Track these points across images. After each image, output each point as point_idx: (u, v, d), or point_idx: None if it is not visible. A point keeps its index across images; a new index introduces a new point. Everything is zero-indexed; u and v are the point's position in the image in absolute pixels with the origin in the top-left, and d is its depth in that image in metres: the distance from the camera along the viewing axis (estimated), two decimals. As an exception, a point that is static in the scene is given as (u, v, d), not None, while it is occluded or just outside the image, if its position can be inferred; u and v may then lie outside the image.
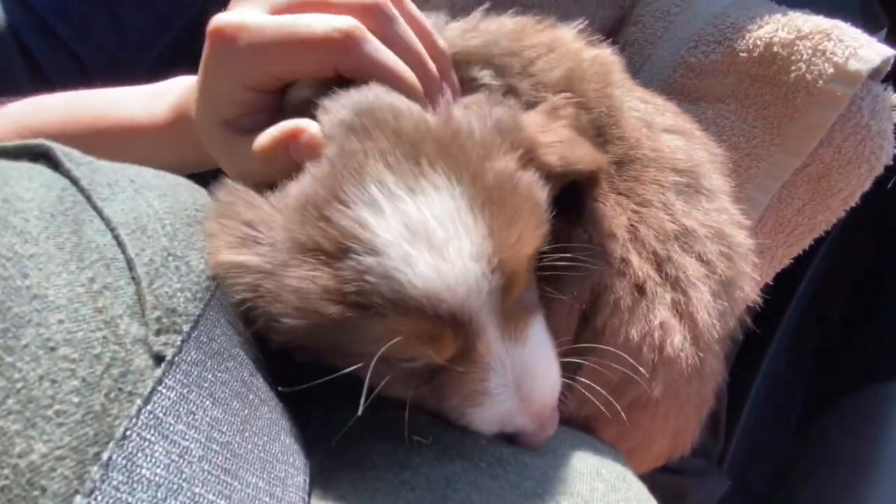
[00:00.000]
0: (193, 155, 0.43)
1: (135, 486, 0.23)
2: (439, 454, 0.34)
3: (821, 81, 0.52)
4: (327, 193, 0.31)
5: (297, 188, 0.32)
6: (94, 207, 0.31)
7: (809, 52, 0.53)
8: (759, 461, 0.78)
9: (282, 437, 0.32)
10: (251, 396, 0.31)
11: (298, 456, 0.33)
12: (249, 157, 0.35)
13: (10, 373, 0.22)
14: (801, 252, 0.61)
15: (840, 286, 0.80)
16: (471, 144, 0.33)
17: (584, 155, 0.39)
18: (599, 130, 0.44)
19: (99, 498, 0.22)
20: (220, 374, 0.29)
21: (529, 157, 0.35)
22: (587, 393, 0.41)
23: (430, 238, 0.30)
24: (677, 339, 0.40)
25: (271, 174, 0.34)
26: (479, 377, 0.33)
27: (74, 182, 0.31)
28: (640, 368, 0.40)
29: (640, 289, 0.41)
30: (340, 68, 0.35)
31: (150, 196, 0.33)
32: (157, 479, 0.24)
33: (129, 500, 0.22)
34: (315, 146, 0.33)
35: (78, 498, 0.21)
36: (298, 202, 0.32)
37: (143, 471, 0.23)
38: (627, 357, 0.40)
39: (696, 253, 0.43)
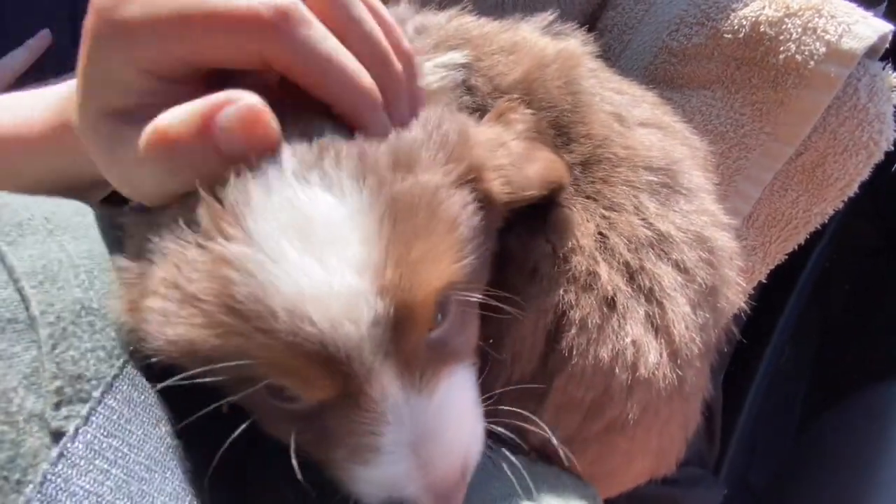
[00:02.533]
0: (75, 166, 0.35)
1: None
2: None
3: (812, 62, 0.48)
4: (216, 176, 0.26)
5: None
6: None
7: (799, 30, 0.48)
8: (759, 461, 0.75)
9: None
10: (160, 462, 0.27)
11: None
12: (138, 156, 0.26)
13: None
14: (798, 247, 0.57)
15: (841, 281, 0.76)
16: (389, 152, 0.28)
17: (535, 177, 0.35)
18: (562, 129, 0.40)
19: None
20: (131, 440, 0.26)
21: (470, 178, 0.31)
22: (557, 415, 0.39)
23: (309, 235, 0.25)
24: (652, 356, 0.37)
25: (165, 184, 0.27)
26: (370, 429, 0.27)
27: None
28: (614, 390, 0.37)
29: (609, 303, 0.37)
30: (270, 59, 0.27)
31: (64, 239, 0.29)
32: None
33: None
34: (264, 127, 0.26)
35: None
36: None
37: None
38: (598, 378, 0.37)
39: (673, 261, 0.39)
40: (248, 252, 0.25)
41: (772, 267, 0.57)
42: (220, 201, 0.26)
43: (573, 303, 0.37)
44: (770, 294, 0.71)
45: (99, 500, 0.24)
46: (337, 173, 0.27)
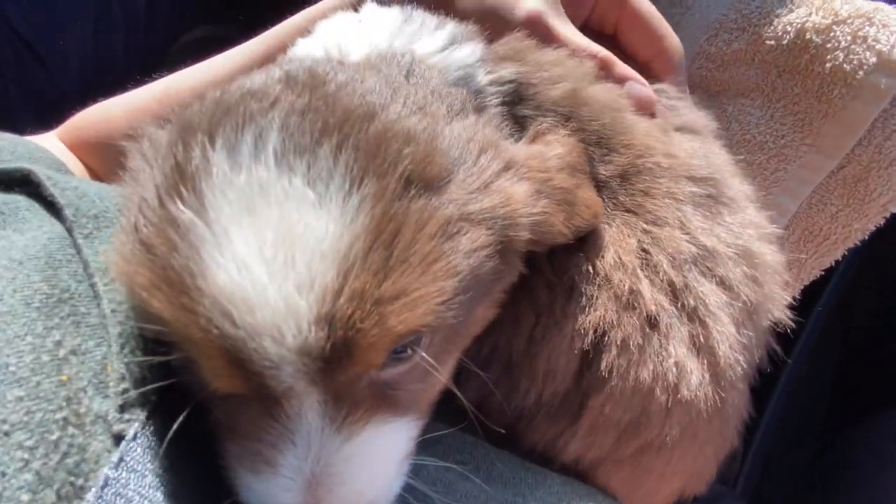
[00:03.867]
0: None
1: None
2: None
3: (861, 72, 0.46)
4: (207, 121, 0.26)
5: (192, 108, 0.28)
6: (74, 244, 0.27)
7: (848, 38, 0.46)
8: (774, 479, 0.74)
9: None
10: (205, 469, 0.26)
11: None
12: None
13: None
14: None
15: (867, 298, 0.74)
16: (415, 159, 0.25)
17: (567, 226, 0.33)
18: (602, 140, 0.38)
19: None
20: (181, 447, 0.26)
21: (498, 217, 0.28)
22: (592, 434, 0.37)
23: (264, 223, 0.23)
24: (695, 378, 0.35)
25: None
26: (272, 442, 0.24)
27: (57, 211, 0.28)
28: (653, 411, 0.36)
29: (652, 323, 0.36)
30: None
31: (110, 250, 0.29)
32: None
33: None
34: None
35: None
36: (178, 126, 0.27)
37: None
38: (637, 399, 0.36)
39: (718, 277, 0.37)
40: (197, 225, 0.23)
41: (806, 283, 0.56)
42: (189, 160, 0.24)
43: (614, 322, 0.35)
44: (793, 306, 0.69)
45: (154, 486, 0.23)
46: (331, 166, 0.24)
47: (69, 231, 0.28)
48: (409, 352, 0.26)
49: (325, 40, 0.38)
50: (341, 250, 0.23)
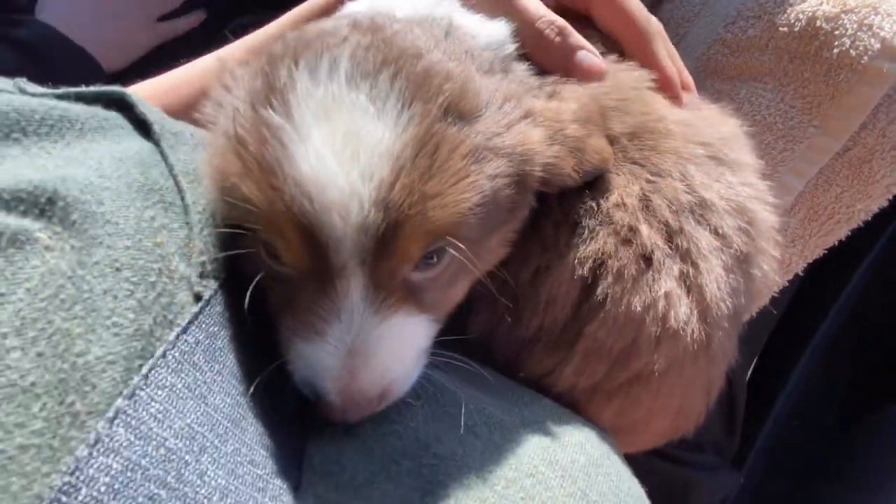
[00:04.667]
0: None
1: (169, 399, 0.25)
2: (428, 413, 0.35)
3: (866, 58, 0.49)
4: (291, 51, 0.32)
5: (276, 45, 0.35)
6: (161, 153, 0.33)
7: (855, 26, 0.50)
8: (781, 468, 0.75)
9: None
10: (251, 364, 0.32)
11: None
12: None
13: (80, 283, 0.25)
14: (848, 253, 0.57)
15: (887, 292, 0.75)
16: (454, 94, 0.31)
17: (578, 170, 0.37)
18: (619, 106, 0.42)
19: (136, 404, 0.24)
20: (235, 329, 0.31)
21: (518, 156, 0.34)
22: (585, 362, 0.41)
23: (336, 127, 0.29)
24: (682, 310, 0.39)
25: None
26: (323, 315, 0.30)
27: (147, 126, 0.34)
28: (642, 340, 0.39)
29: (646, 259, 0.40)
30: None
31: (204, 154, 0.35)
32: (187, 395, 0.26)
33: (164, 409, 0.25)
34: None
35: (120, 400, 0.23)
36: (265, 58, 0.34)
37: (177, 389, 0.26)
38: (629, 327, 0.39)
39: (712, 226, 0.41)
40: (285, 126, 0.29)
41: (809, 260, 0.58)
42: (278, 78, 0.31)
43: (612, 252, 0.39)
44: (812, 297, 0.70)
45: (218, 353, 0.29)
46: (388, 89, 0.30)
47: (157, 142, 0.34)
48: (436, 259, 0.32)
49: (372, 3, 0.44)
50: (394, 153, 0.29)
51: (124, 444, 0.22)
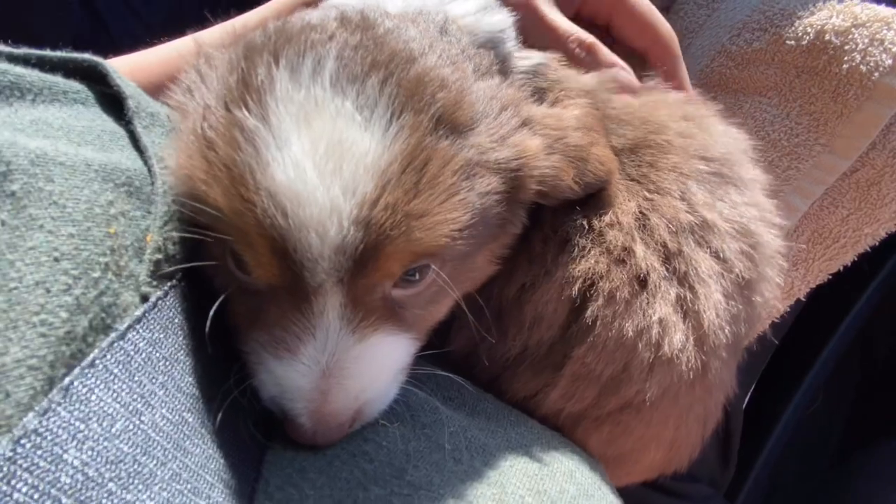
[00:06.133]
0: None
1: (94, 416, 0.22)
2: (405, 433, 0.32)
3: (876, 74, 0.47)
4: (272, 44, 0.29)
5: (255, 34, 0.32)
6: (132, 132, 0.30)
7: (866, 41, 0.47)
8: (780, 498, 0.72)
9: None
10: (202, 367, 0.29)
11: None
12: None
13: (6, 269, 0.21)
14: (851, 278, 0.55)
15: (891, 322, 0.72)
16: (447, 104, 0.29)
17: (579, 184, 0.35)
18: (619, 115, 0.40)
19: (52, 421, 0.21)
20: (186, 337, 0.28)
21: (513, 170, 0.31)
22: (573, 386, 0.38)
23: (318, 135, 0.26)
24: (678, 337, 0.36)
25: None
26: (297, 332, 0.28)
27: (122, 99, 0.31)
28: (634, 367, 0.37)
29: (641, 281, 0.37)
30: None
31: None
32: (118, 411, 0.23)
33: (86, 428, 0.22)
34: None
35: (30, 415, 0.20)
36: (242, 48, 0.30)
37: (105, 404, 0.23)
38: (620, 353, 0.37)
39: (713, 249, 0.38)
40: (261, 129, 0.27)
41: (813, 286, 0.56)
42: (255, 75, 0.28)
43: (603, 273, 0.36)
44: (814, 324, 0.68)
45: (162, 363, 0.26)
46: (377, 96, 0.27)
47: (129, 120, 0.31)
48: (418, 276, 0.30)
49: None
50: (380, 167, 0.26)
51: (32, 469, 0.19)
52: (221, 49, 0.34)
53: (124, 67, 0.45)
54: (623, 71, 0.41)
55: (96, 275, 0.24)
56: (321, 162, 0.26)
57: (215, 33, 0.46)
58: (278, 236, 0.26)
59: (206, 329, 0.28)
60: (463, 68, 0.33)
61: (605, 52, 0.41)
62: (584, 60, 0.41)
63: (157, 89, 0.36)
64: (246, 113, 0.27)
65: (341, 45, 0.29)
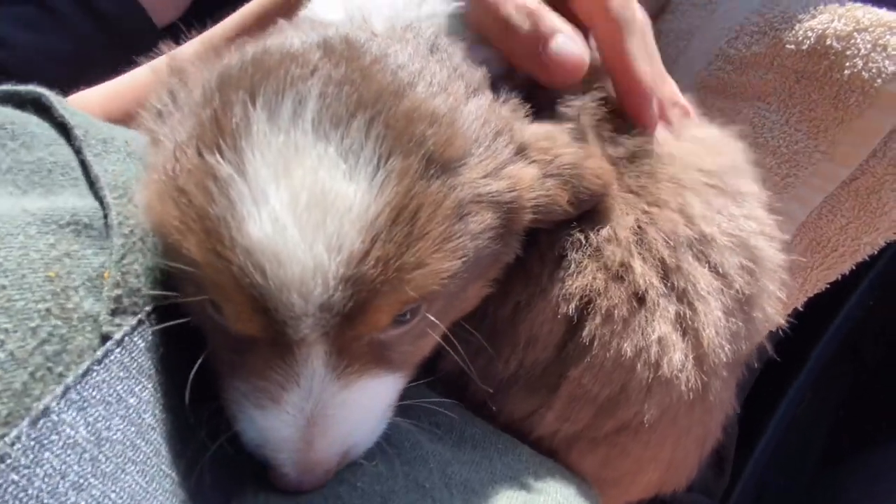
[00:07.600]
0: None
1: (35, 472, 0.20)
2: (382, 472, 0.30)
3: (879, 80, 0.46)
4: (248, 79, 0.27)
5: (232, 60, 0.29)
6: (83, 162, 0.28)
7: (868, 46, 0.46)
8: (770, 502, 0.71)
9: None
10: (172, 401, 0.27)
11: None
12: None
13: None
14: (840, 280, 0.54)
15: (881, 327, 0.72)
16: (437, 141, 0.27)
17: (574, 203, 0.34)
18: (615, 121, 0.38)
19: None
20: (160, 364, 0.27)
21: (507, 201, 0.30)
22: (569, 407, 0.37)
23: (298, 185, 0.24)
24: (677, 357, 0.35)
25: None
26: (280, 381, 0.27)
27: (66, 131, 0.29)
28: (632, 387, 0.35)
29: (639, 298, 0.36)
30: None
31: (140, 164, 0.30)
32: (63, 468, 0.21)
33: (25, 486, 0.20)
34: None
35: None
36: (217, 77, 0.28)
37: (52, 457, 0.21)
38: (617, 373, 0.35)
39: (712, 264, 0.37)
40: (236, 179, 0.24)
41: (810, 295, 0.55)
42: (230, 116, 0.26)
43: (601, 290, 0.35)
44: (802, 327, 0.67)
45: (127, 409, 0.24)
46: (363, 140, 0.25)
47: (78, 150, 0.29)
48: (409, 316, 0.28)
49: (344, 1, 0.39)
50: (368, 219, 0.25)
51: None
52: (197, 63, 0.32)
53: (98, 97, 0.43)
54: (567, 39, 0.35)
55: (34, 324, 0.22)
56: (302, 216, 0.24)
57: (192, 48, 0.43)
58: (258, 295, 0.24)
59: (189, 380, 0.26)
60: (455, 90, 0.31)
61: (549, 18, 0.36)
62: (521, 30, 0.35)
63: (129, 118, 0.34)
64: (219, 159, 0.25)
65: (324, 80, 0.27)
